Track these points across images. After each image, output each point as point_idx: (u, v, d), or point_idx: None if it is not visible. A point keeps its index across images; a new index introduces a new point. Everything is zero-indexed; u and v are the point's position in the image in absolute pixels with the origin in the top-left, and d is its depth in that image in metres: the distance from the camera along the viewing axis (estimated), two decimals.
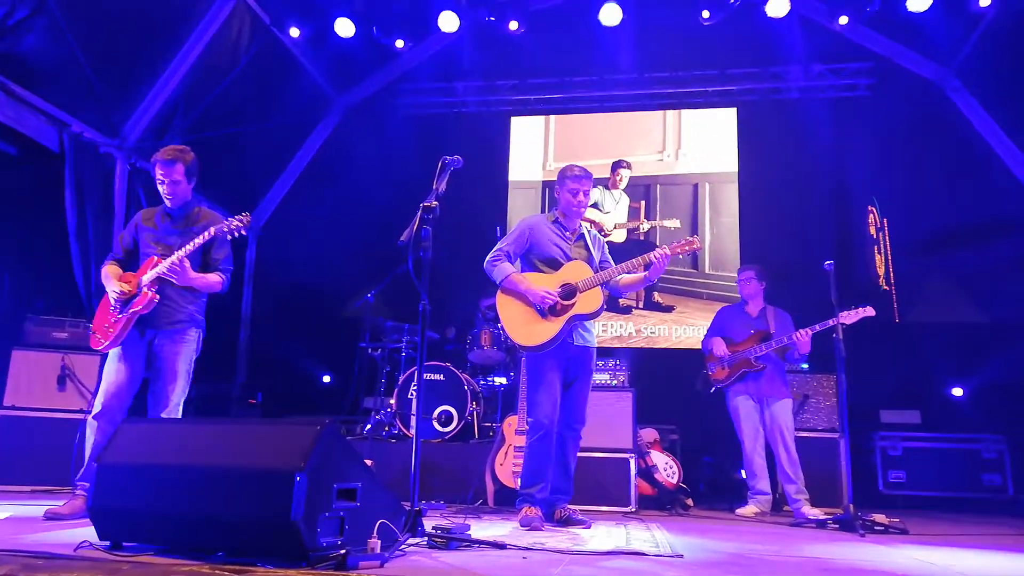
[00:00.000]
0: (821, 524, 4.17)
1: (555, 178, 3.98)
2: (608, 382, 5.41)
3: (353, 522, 2.29)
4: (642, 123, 8.10)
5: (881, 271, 7.12)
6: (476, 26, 6.86)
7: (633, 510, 4.65)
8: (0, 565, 1.98)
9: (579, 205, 3.86)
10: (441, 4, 6.62)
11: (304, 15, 6.65)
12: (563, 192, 3.89)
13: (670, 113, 8.04)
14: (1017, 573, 2.78)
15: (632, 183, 7.92)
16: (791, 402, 5.02)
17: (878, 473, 5.82)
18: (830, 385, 5.52)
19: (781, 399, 4.91)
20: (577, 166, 3.94)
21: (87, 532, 2.48)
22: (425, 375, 5.06)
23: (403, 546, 2.48)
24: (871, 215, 7.31)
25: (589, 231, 3.98)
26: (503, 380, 5.80)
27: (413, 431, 4.29)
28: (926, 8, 6.01)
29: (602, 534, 3.41)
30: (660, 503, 4.96)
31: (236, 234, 3.52)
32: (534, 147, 8.30)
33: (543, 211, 7.74)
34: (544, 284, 3.73)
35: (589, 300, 3.68)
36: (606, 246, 4.06)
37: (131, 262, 3.73)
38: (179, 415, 3.60)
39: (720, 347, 5.04)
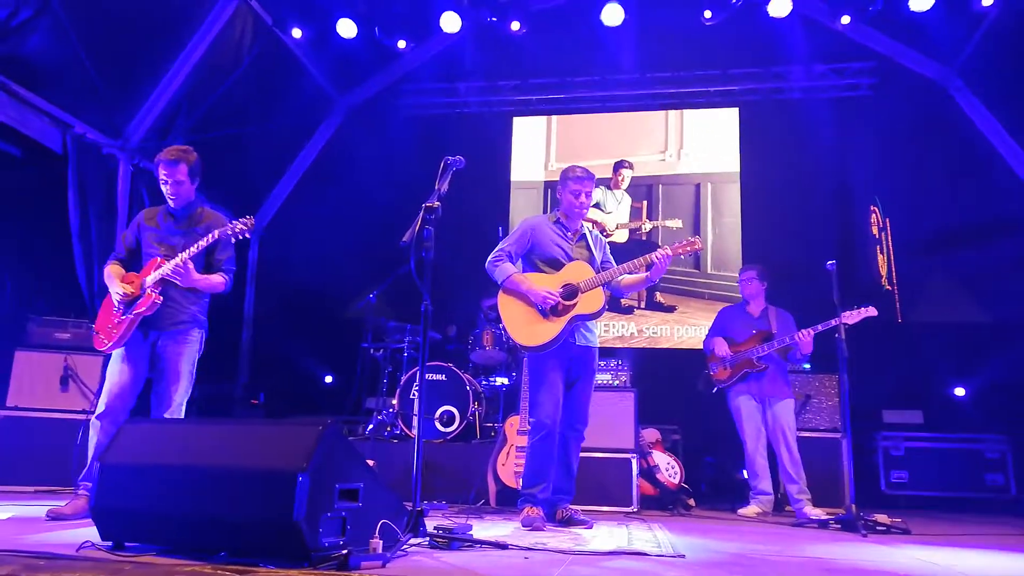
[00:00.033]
0: (823, 524, 4.17)
1: (557, 178, 3.98)
2: (610, 382, 5.41)
3: (355, 522, 2.29)
4: (644, 123, 8.09)
5: (883, 271, 7.11)
6: (478, 26, 6.86)
7: (635, 510, 4.65)
8: (2, 565, 1.98)
9: (581, 206, 3.86)
10: (443, 5, 6.62)
11: (306, 16, 6.66)
12: (565, 193, 3.89)
13: (672, 113, 8.04)
14: (1019, 573, 2.78)
15: (634, 183, 7.92)
16: (793, 402, 5.02)
17: (880, 473, 5.82)
18: (832, 385, 5.51)
19: (783, 399, 4.91)
20: (579, 167, 3.94)
21: (89, 532, 2.49)
22: (427, 375, 5.08)
23: (405, 546, 2.48)
24: (873, 215, 7.30)
25: (591, 231, 3.98)
26: (505, 380, 5.80)
27: (415, 431, 4.31)
28: (928, 7, 6.00)
29: (604, 534, 3.41)
30: (662, 503, 4.95)
31: (240, 237, 3.53)
32: (536, 147, 8.30)
33: (545, 211, 7.74)
34: (546, 284, 3.73)
35: (591, 300, 3.68)
36: (608, 246, 4.06)
37: (133, 261, 3.74)
38: (182, 415, 3.60)
39: (722, 347, 5.04)
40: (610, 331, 7.50)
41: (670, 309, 7.49)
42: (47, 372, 4.91)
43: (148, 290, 3.51)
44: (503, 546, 2.73)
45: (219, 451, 2.35)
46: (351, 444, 2.47)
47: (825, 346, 4.64)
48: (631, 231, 7.80)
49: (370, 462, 2.81)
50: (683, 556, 2.72)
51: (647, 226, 7.77)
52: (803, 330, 4.74)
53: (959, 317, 6.71)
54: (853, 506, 3.94)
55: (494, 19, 6.56)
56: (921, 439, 5.87)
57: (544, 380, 3.73)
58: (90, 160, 5.67)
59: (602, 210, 7.86)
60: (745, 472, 5.07)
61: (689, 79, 7.80)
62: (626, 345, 7.39)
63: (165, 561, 2.15)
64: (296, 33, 6.70)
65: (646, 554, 2.74)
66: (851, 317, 4.41)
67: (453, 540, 2.65)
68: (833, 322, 4.41)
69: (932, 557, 3.02)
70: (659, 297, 7.53)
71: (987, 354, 6.29)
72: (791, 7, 6.28)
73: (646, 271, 3.71)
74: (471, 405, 5.39)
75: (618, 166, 7.95)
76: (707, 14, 6.23)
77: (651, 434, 5.30)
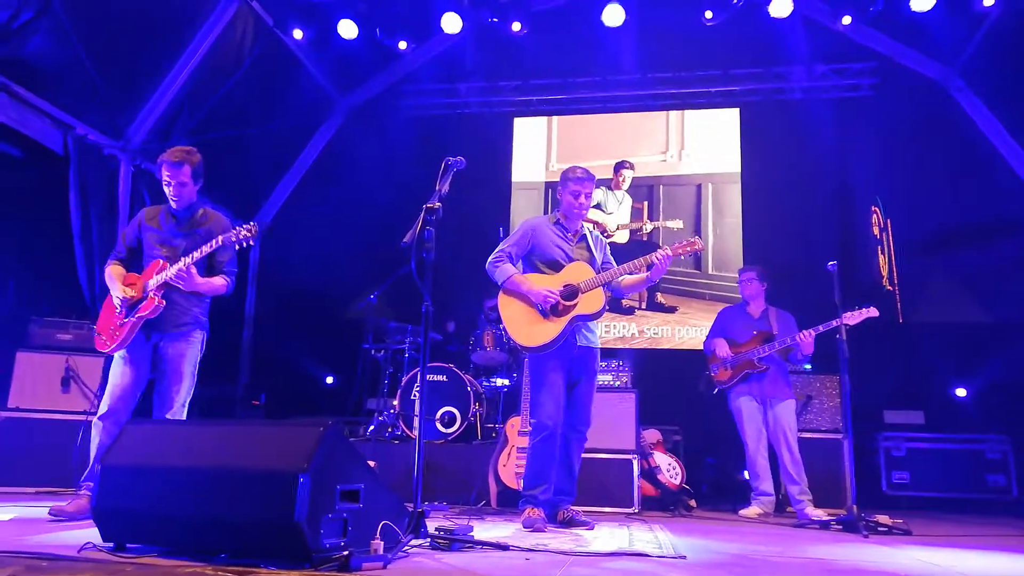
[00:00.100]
0: (824, 525, 4.17)
1: (558, 179, 3.98)
2: (611, 383, 5.41)
3: (356, 523, 2.29)
4: (645, 124, 8.10)
5: (884, 271, 7.11)
6: (479, 27, 6.87)
7: (636, 511, 4.64)
8: (4, 566, 1.98)
9: (580, 207, 3.86)
10: (444, 5, 6.63)
11: (307, 17, 6.66)
12: (565, 194, 3.89)
13: (673, 114, 8.04)
14: (1020, 574, 2.78)
15: (635, 184, 7.92)
16: (794, 403, 5.02)
17: (882, 474, 5.81)
18: (833, 386, 5.51)
19: (784, 400, 4.91)
20: (579, 168, 3.94)
21: (91, 533, 2.49)
22: (428, 376, 5.07)
23: (406, 547, 2.48)
24: (874, 215, 7.30)
25: (591, 232, 3.98)
26: (506, 381, 5.80)
27: (416, 432, 4.30)
28: (929, 8, 6.00)
29: (605, 535, 3.41)
30: (663, 504, 4.95)
31: (244, 244, 3.53)
32: (537, 148, 8.31)
33: (546, 212, 7.73)
34: (546, 285, 3.73)
35: (591, 301, 3.68)
36: (608, 247, 4.06)
37: (134, 261, 3.75)
38: (184, 416, 3.61)
39: (723, 348, 5.03)
40: (611, 332, 7.50)
41: (671, 310, 7.49)
42: (48, 373, 4.92)
43: (151, 294, 3.52)
44: (504, 547, 2.73)
45: (220, 452, 2.35)
46: (352, 445, 2.48)
47: (826, 347, 4.64)
48: (632, 232, 7.80)
49: (371, 463, 2.82)
50: (684, 557, 2.72)
51: (648, 227, 7.77)
52: (804, 331, 4.73)
53: (960, 317, 6.71)
54: (854, 507, 3.93)
55: (495, 20, 6.56)
56: (922, 440, 5.87)
57: (545, 381, 3.73)
58: (91, 161, 5.68)
59: (603, 211, 7.86)
60: (746, 473, 5.07)
61: (690, 79, 7.80)
62: (627, 346, 7.39)
63: (166, 562, 2.15)
64: (297, 34, 6.70)
65: (647, 555, 2.74)
66: (852, 318, 4.41)
67: (454, 541, 2.65)
68: (834, 323, 4.41)
69: (933, 558, 3.02)
70: (660, 298, 7.53)
71: (988, 354, 6.28)
72: (792, 7, 6.28)
73: (646, 271, 3.71)
74: (472, 406, 5.39)
75: (619, 167, 7.95)
76: (708, 14, 6.23)
77: (652, 435, 5.29)
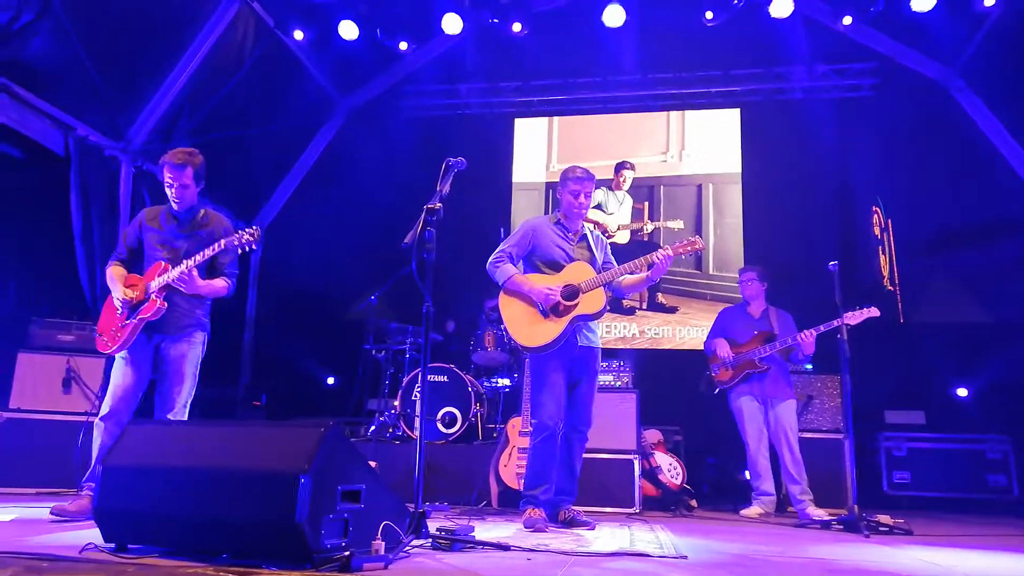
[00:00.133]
0: (825, 525, 4.17)
1: (558, 179, 3.99)
2: (612, 383, 5.41)
3: (357, 524, 2.29)
4: (646, 124, 8.10)
5: (885, 271, 7.11)
6: (479, 28, 6.87)
7: (637, 511, 4.64)
8: (5, 567, 1.99)
9: (580, 207, 3.86)
10: (444, 6, 6.63)
11: (308, 18, 6.67)
12: (565, 194, 3.89)
13: (674, 114, 8.04)
14: (1021, 574, 2.77)
15: (636, 184, 7.92)
16: (795, 403, 5.02)
17: (882, 474, 5.81)
18: (834, 386, 5.51)
19: (785, 400, 4.91)
20: (579, 167, 3.94)
21: (92, 534, 2.49)
22: (429, 377, 5.08)
23: (407, 548, 2.48)
24: (875, 215, 7.30)
25: (592, 232, 3.98)
26: (507, 381, 5.80)
27: (417, 432, 4.30)
28: (930, 8, 6.00)
29: (606, 535, 3.41)
30: (664, 504, 4.95)
31: (246, 248, 3.54)
32: (538, 148, 8.31)
33: (547, 212, 7.73)
34: (547, 285, 3.73)
35: (592, 301, 3.68)
36: (609, 247, 4.06)
37: (135, 261, 3.75)
38: (185, 417, 3.61)
39: (724, 348, 5.03)
40: (612, 332, 7.50)
41: (672, 310, 7.49)
42: (49, 374, 4.92)
43: (153, 296, 3.52)
44: (505, 547, 2.73)
45: (221, 453, 2.35)
46: (353, 445, 2.48)
47: (827, 347, 4.64)
48: (633, 232, 7.80)
49: (372, 463, 2.82)
50: (685, 557, 2.72)
51: (649, 227, 7.77)
52: (805, 331, 4.73)
53: (961, 317, 6.71)
54: (855, 507, 3.93)
55: (495, 20, 6.57)
56: (923, 440, 5.87)
57: (546, 381, 3.73)
58: (92, 162, 5.68)
59: (604, 211, 7.86)
60: (747, 473, 5.07)
61: (691, 80, 7.80)
62: (628, 346, 7.39)
63: (168, 563, 2.16)
64: (298, 35, 6.71)
65: (648, 555, 2.74)
66: (853, 318, 4.41)
67: (455, 541, 2.65)
68: (835, 323, 4.41)
69: (934, 558, 3.02)
70: (661, 298, 7.53)
71: (989, 354, 6.28)
72: (793, 8, 6.29)
73: (647, 271, 3.71)
74: (473, 406, 5.39)
75: (619, 167, 7.95)
76: (709, 15, 6.24)
77: (653, 435, 5.30)
